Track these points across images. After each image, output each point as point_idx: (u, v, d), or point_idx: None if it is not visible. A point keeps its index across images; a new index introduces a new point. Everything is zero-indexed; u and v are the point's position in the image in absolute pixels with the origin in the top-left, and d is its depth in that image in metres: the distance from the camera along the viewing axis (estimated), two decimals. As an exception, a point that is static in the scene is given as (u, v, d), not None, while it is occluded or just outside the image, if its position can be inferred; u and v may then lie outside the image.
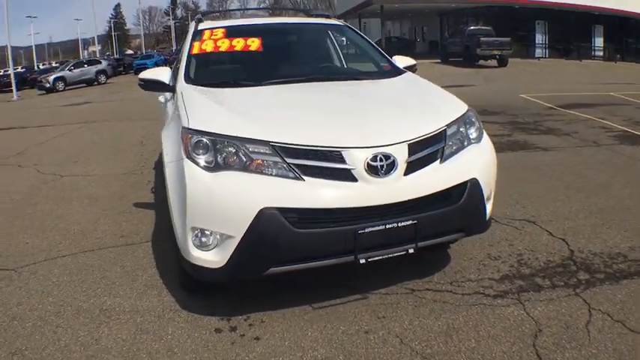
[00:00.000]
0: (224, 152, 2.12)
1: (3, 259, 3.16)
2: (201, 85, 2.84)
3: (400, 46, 35.52)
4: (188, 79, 2.91)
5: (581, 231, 3.32)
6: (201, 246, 2.15)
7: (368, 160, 2.11)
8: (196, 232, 2.14)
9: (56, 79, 23.25)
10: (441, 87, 3.00)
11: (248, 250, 2.06)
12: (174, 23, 75.98)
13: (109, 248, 3.28)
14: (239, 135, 2.13)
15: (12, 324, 2.42)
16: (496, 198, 3.95)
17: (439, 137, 2.35)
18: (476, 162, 2.43)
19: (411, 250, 2.24)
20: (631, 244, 3.08)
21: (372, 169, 2.11)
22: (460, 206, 2.29)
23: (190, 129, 2.21)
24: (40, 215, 4.02)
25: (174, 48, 53.24)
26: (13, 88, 22.01)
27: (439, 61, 23.95)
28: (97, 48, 70.74)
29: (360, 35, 3.72)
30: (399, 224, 2.14)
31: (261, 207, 2.01)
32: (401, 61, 3.52)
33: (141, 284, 2.78)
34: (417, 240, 2.22)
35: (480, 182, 2.37)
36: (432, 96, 2.83)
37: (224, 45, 3.24)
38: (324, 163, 2.09)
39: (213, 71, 3.31)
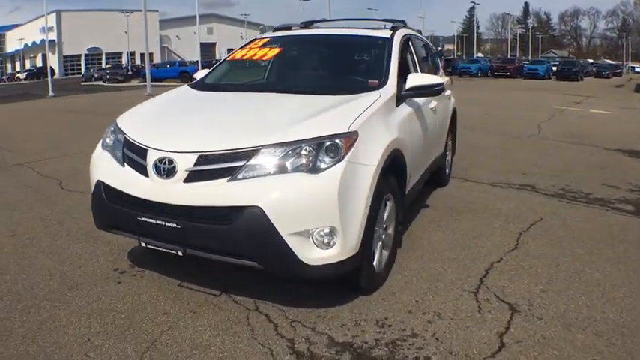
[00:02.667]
0: (114, 139, 2.72)
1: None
2: (200, 88, 3.38)
3: None
4: (199, 82, 3.56)
5: (550, 341, 2.24)
6: None
7: (156, 161, 2.34)
8: None
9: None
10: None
11: (92, 208, 2.69)
12: (525, 32, 75.13)
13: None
14: (121, 127, 2.71)
15: (56, 227, 3.84)
16: (534, 271, 2.99)
17: (241, 156, 2.24)
18: (276, 191, 2.17)
19: (180, 253, 2.33)
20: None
21: (158, 170, 2.33)
22: (231, 230, 2.18)
23: (115, 120, 2.92)
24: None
25: (511, 56, 52.89)
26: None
27: None
28: (452, 47, 77.29)
29: (389, 52, 3.36)
30: (166, 224, 2.29)
31: (97, 179, 2.61)
32: (413, 79, 3.13)
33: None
34: (185, 245, 2.30)
35: (268, 213, 2.13)
36: (316, 114, 2.50)
37: (249, 53, 3.72)
38: (136, 157, 2.46)
39: (221, 76, 3.73)
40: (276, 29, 4.27)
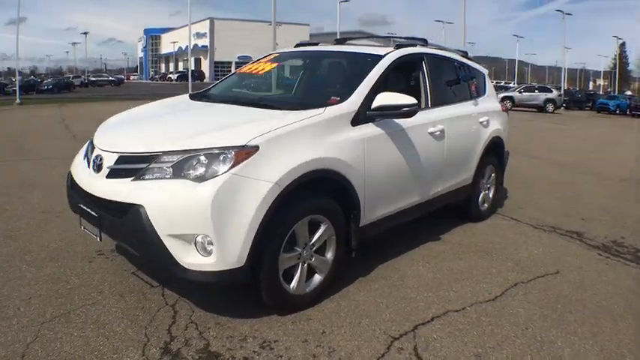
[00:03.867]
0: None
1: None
2: (193, 98, 3.64)
3: None
4: (201, 91, 3.88)
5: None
6: None
7: (94, 157, 2.69)
8: None
9: (504, 98, 25.39)
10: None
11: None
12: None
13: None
14: (98, 127, 3.15)
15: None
16: (489, 330, 2.66)
17: (146, 159, 2.42)
18: (160, 194, 2.30)
19: (98, 239, 2.60)
20: None
21: (94, 165, 2.66)
22: (122, 223, 2.39)
23: None
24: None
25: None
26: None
27: None
28: (601, 82, 72.33)
29: (369, 70, 3.22)
30: (90, 211, 2.59)
31: (70, 169, 3.06)
32: (379, 99, 3.00)
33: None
34: (102, 230, 2.57)
35: (149, 213, 2.28)
36: (233, 125, 2.59)
37: (252, 68, 3.92)
38: (89, 152, 2.84)
39: (225, 88, 3.92)
40: (297, 45, 4.39)
